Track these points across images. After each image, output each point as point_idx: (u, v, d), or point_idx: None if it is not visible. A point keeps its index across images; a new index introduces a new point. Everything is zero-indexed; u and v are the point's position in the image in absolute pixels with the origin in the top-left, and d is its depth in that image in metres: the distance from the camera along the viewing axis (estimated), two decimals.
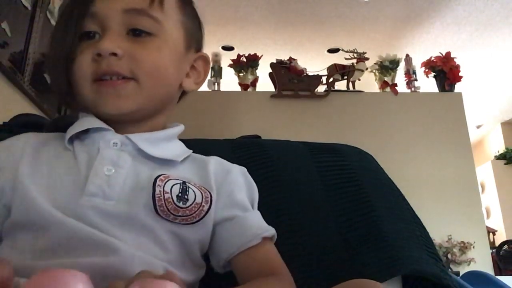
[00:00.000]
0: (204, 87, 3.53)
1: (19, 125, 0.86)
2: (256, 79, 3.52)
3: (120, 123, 0.62)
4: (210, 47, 3.74)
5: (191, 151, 0.68)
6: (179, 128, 0.69)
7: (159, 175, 0.58)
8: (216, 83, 3.51)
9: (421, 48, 4.06)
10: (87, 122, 0.62)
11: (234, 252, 0.59)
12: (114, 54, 0.59)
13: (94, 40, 0.61)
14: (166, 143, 0.65)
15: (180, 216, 0.56)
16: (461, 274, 2.26)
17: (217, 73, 3.55)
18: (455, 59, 3.51)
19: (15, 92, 1.67)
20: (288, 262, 0.61)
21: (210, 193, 0.61)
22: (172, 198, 0.56)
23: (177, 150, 0.66)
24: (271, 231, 0.62)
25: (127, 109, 0.60)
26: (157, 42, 0.62)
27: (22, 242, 0.53)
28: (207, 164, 0.66)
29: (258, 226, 0.62)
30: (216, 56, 3.60)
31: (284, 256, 0.62)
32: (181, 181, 0.59)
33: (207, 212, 0.59)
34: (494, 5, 3.55)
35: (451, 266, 3.01)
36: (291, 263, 0.62)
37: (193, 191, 0.59)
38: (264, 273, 0.57)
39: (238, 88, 3.53)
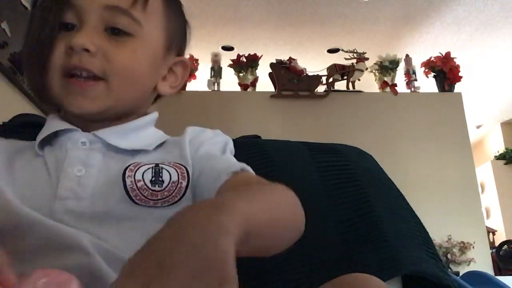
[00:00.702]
0: (204, 87, 3.54)
1: (19, 125, 0.86)
2: (256, 79, 3.52)
3: (88, 121, 0.61)
4: (210, 47, 3.75)
5: (168, 136, 0.67)
6: (152, 116, 0.67)
7: (128, 166, 0.57)
8: (216, 83, 3.51)
9: (421, 48, 4.06)
10: (53, 125, 0.61)
11: (215, 187, 0.57)
12: (87, 50, 0.57)
13: (71, 32, 0.59)
14: (137, 133, 0.63)
15: (160, 199, 0.55)
16: (461, 274, 2.26)
17: (217, 73, 3.55)
18: (455, 59, 3.51)
19: (15, 92, 1.66)
20: (287, 262, 0.61)
21: (185, 167, 0.59)
22: (146, 185, 0.55)
23: (150, 138, 0.64)
24: (241, 165, 0.59)
25: (93, 110, 0.59)
26: (134, 43, 0.60)
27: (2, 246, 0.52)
28: (183, 138, 0.64)
29: (227, 165, 0.59)
30: (216, 56, 3.60)
31: (284, 256, 0.62)
32: (153, 165, 0.58)
33: (186, 187, 0.57)
34: (494, 5, 3.55)
35: (451, 266, 3.01)
36: (291, 263, 0.62)
37: (167, 171, 0.57)
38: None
39: (238, 88, 3.53)
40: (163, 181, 0.56)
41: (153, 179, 0.56)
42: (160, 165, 0.58)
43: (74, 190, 0.54)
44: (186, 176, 0.58)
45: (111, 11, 0.59)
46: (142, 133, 0.64)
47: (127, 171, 0.56)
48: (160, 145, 0.64)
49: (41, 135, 0.60)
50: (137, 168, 0.57)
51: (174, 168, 0.58)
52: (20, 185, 0.55)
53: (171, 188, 0.56)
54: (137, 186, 0.55)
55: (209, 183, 0.58)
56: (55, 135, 0.61)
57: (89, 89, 0.58)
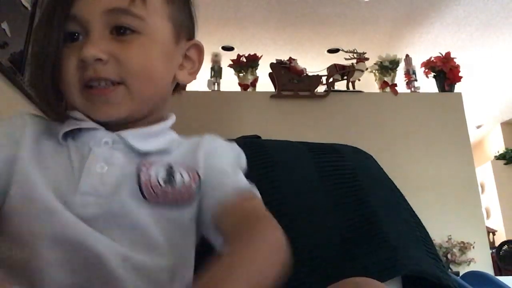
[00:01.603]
0: (204, 87, 3.54)
1: None
2: (256, 79, 3.52)
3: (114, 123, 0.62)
4: (210, 47, 3.75)
5: (183, 139, 0.68)
6: (171, 121, 0.68)
7: (143, 162, 0.58)
8: (216, 83, 3.51)
9: (421, 48, 4.05)
10: (78, 120, 0.60)
11: (211, 210, 0.58)
12: (99, 59, 0.57)
13: (78, 42, 0.59)
14: (157, 138, 0.64)
15: (170, 199, 0.57)
16: (461, 274, 2.26)
17: (217, 73, 3.55)
18: (455, 59, 3.51)
19: (15, 92, 1.66)
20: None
21: (197, 172, 0.60)
22: (158, 183, 0.56)
23: (168, 142, 0.65)
24: (247, 187, 0.60)
25: (119, 116, 0.60)
26: (143, 40, 0.60)
27: (19, 231, 0.52)
28: (199, 143, 0.65)
29: (234, 185, 0.60)
30: (216, 56, 3.60)
31: None
32: (167, 165, 0.58)
33: (196, 192, 0.59)
34: (494, 5, 3.55)
35: (451, 266, 3.00)
36: (290, 263, 0.62)
37: (180, 173, 0.58)
38: (246, 221, 0.55)
39: (238, 88, 3.52)
40: (175, 182, 0.57)
41: (166, 178, 0.57)
42: (174, 166, 0.59)
43: (95, 186, 0.55)
44: (198, 180, 0.59)
45: (112, 14, 0.59)
46: (162, 137, 0.65)
47: (142, 167, 0.57)
48: (177, 147, 0.65)
49: (66, 127, 0.60)
50: (151, 165, 0.58)
51: (187, 172, 0.59)
52: (45, 171, 0.56)
53: (182, 190, 0.57)
54: (150, 182, 0.56)
55: (211, 196, 0.59)
56: (78, 129, 0.61)
57: (112, 95, 0.59)
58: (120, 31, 0.59)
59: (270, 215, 0.57)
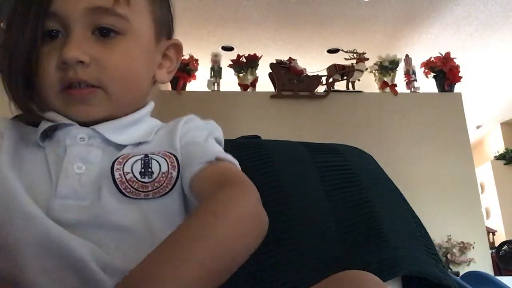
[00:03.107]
0: (204, 87, 3.54)
1: None
2: (255, 80, 3.52)
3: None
4: (210, 47, 3.75)
5: (164, 124, 0.66)
6: (148, 108, 0.65)
7: (117, 158, 0.56)
8: (215, 84, 3.51)
9: (421, 48, 4.06)
10: (52, 118, 0.58)
11: (185, 183, 0.55)
12: (81, 62, 0.55)
13: (57, 41, 0.56)
14: (135, 127, 0.62)
15: (150, 191, 0.54)
16: (460, 275, 2.26)
17: (217, 73, 3.55)
18: (454, 59, 3.51)
19: None
20: (287, 262, 0.61)
21: (174, 156, 0.58)
22: (135, 177, 0.54)
23: (147, 130, 0.62)
24: (217, 155, 0.57)
25: (98, 116, 0.58)
26: (126, 42, 0.58)
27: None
28: (175, 126, 0.63)
29: (204, 153, 0.57)
30: (216, 56, 3.60)
31: (283, 256, 0.62)
32: (142, 155, 0.56)
33: (177, 177, 0.56)
34: (493, 5, 3.55)
35: (450, 266, 3.01)
36: (290, 263, 0.62)
37: (157, 161, 0.56)
38: (218, 188, 0.51)
39: (238, 89, 3.53)
40: (152, 172, 0.55)
41: (143, 170, 0.55)
42: (150, 156, 0.56)
43: (75, 188, 0.53)
44: (176, 165, 0.57)
45: (95, 13, 0.56)
46: (140, 126, 0.63)
47: (115, 164, 0.55)
48: (156, 134, 0.63)
49: (41, 128, 0.58)
50: (125, 160, 0.55)
51: (164, 158, 0.57)
52: (25, 175, 0.54)
53: (161, 179, 0.55)
54: (126, 178, 0.54)
55: (185, 172, 0.56)
56: (54, 128, 0.59)
57: (90, 96, 0.57)
58: (103, 33, 0.57)
59: (247, 180, 0.54)
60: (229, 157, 0.58)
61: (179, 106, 3.13)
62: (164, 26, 0.65)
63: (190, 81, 3.48)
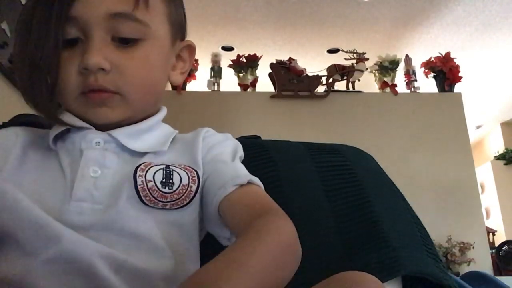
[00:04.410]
0: (204, 87, 3.54)
1: (19, 125, 0.86)
2: (255, 80, 3.52)
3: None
4: (210, 47, 3.75)
5: (176, 131, 0.66)
6: (162, 114, 0.66)
7: (139, 165, 0.56)
8: (215, 84, 3.51)
9: (421, 48, 4.06)
10: (68, 120, 0.58)
11: (215, 202, 0.56)
12: (102, 69, 0.55)
13: (77, 47, 0.56)
14: (150, 133, 0.62)
15: (169, 201, 0.55)
16: (460, 275, 2.26)
17: (217, 73, 3.55)
18: (454, 60, 3.51)
19: (15, 92, 1.66)
20: None
21: (195, 171, 0.59)
22: (156, 186, 0.55)
23: (162, 137, 0.63)
24: (248, 178, 0.57)
25: (116, 119, 0.58)
26: (145, 47, 0.58)
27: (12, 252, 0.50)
28: (196, 140, 0.63)
29: (234, 175, 0.58)
30: (216, 57, 3.60)
31: None
32: (164, 166, 0.57)
33: (196, 191, 0.57)
34: (493, 5, 3.55)
35: (450, 266, 3.00)
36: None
37: (178, 173, 0.57)
38: (255, 214, 0.51)
39: (238, 89, 3.52)
40: (173, 184, 0.56)
41: (164, 180, 0.55)
42: (171, 167, 0.57)
43: (90, 192, 0.54)
44: (196, 180, 0.58)
45: (115, 19, 0.56)
46: (155, 132, 0.63)
47: (138, 171, 0.55)
48: (173, 142, 0.63)
49: (55, 130, 0.58)
50: (148, 168, 0.56)
51: (185, 171, 0.58)
52: (32, 181, 0.54)
53: (181, 191, 0.56)
54: (147, 186, 0.54)
55: (214, 189, 0.57)
56: (68, 131, 0.59)
57: (108, 100, 0.57)
58: (123, 40, 0.57)
59: (278, 206, 0.54)
60: (257, 180, 0.59)
61: (179, 106, 3.13)
62: (179, 28, 0.66)
63: (190, 81, 3.48)
